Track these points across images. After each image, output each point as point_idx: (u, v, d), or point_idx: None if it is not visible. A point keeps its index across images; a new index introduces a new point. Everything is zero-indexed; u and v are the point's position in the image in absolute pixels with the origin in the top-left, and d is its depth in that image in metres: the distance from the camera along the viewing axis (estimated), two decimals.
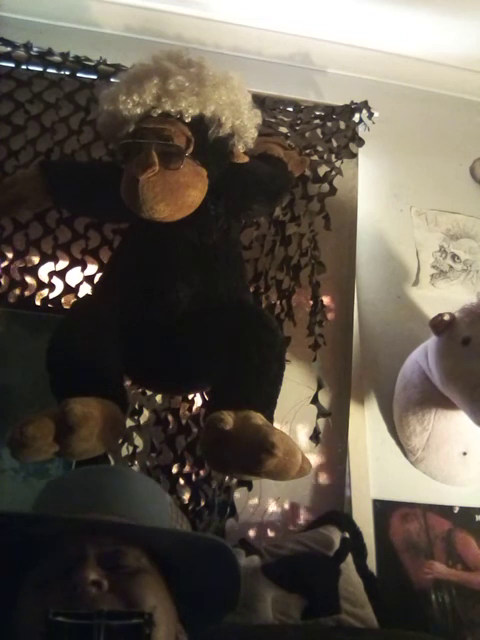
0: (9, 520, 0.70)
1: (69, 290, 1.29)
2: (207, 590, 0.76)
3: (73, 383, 0.91)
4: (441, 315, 1.21)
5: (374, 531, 1.24)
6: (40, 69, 1.44)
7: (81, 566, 0.67)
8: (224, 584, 0.75)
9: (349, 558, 1.13)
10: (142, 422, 1.23)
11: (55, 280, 1.30)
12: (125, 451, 1.19)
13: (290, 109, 1.56)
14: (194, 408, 1.26)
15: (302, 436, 1.30)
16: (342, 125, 1.55)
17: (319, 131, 1.54)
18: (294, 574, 1.08)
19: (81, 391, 0.88)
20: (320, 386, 1.30)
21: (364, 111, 1.56)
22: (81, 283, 1.30)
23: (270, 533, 1.24)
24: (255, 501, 1.24)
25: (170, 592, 0.73)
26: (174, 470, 1.20)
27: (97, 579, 0.65)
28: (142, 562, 0.71)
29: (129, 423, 1.18)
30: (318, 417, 1.28)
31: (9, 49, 1.43)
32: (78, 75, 1.45)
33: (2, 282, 1.29)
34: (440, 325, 1.20)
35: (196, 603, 0.76)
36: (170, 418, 1.24)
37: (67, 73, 1.44)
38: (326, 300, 1.40)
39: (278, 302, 1.35)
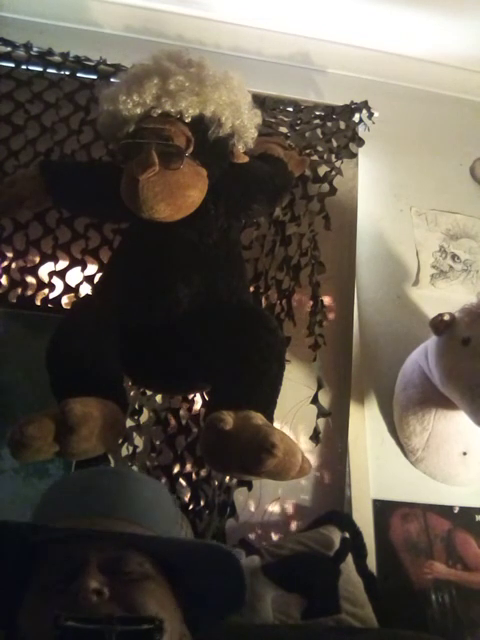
0: (12, 529, 0.70)
1: (69, 290, 1.29)
2: (212, 592, 0.75)
3: (73, 383, 0.91)
4: (441, 315, 1.21)
5: (374, 531, 1.24)
6: (40, 69, 1.44)
7: (83, 573, 0.67)
8: (229, 586, 0.75)
9: (349, 558, 1.13)
10: (142, 422, 1.22)
11: (55, 280, 1.30)
12: (125, 451, 1.19)
13: (290, 109, 1.56)
14: (194, 408, 1.26)
15: (302, 436, 1.30)
16: (342, 125, 1.55)
17: (319, 131, 1.54)
18: (294, 574, 1.08)
19: (81, 391, 0.88)
20: (320, 386, 1.30)
21: (364, 111, 1.56)
22: (81, 283, 1.30)
23: (270, 533, 1.24)
24: (255, 501, 1.24)
25: (175, 595, 0.73)
26: (174, 470, 1.20)
27: (98, 587, 0.65)
28: (145, 568, 0.71)
29: (129, 423, 1.18)
30: (318, 417, 1.28)
31: (9, 49, 1.43)
32: (78, 75, 1.45)
33: (2, 282, 1.29)
34: (440, 325, 1.20)
35: (201, 605, 0.76)
36: (170, 418, 1.24)
37: (67, 73, 1.45)
38: (326, 300, 1.40)
39: (278, 302, 1.35)
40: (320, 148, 1.51)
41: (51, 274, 1.30)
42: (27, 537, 0.70)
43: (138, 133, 1.05)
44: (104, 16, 1.62)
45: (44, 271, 1.30)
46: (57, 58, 1.45)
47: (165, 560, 0.74)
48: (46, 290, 1.29)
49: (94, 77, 1.45)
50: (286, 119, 1.53)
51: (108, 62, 1.45)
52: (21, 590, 0.71)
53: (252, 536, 1.22)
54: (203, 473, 1.20)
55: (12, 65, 1.44)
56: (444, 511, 1.30)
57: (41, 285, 1.29)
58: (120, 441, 1.15)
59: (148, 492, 0.80)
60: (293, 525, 1.26)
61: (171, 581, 0.74)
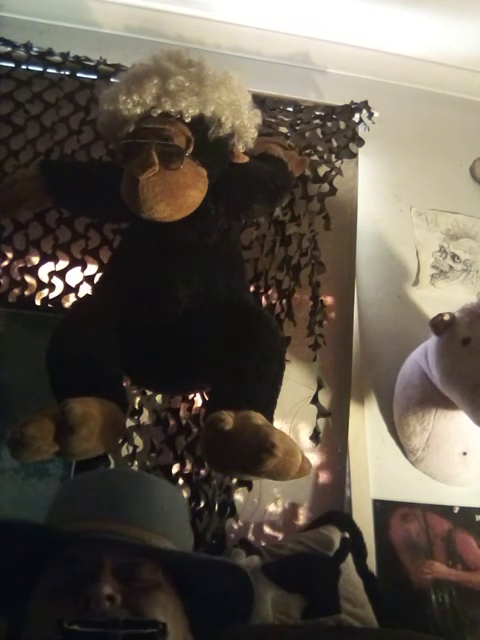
0: (23, 529, 0.70)
1: (69, 290, 1.29)
2: (221, 603, 0.76)
3: (73, 383, 0.91)
4: (441, 315, 1.21)
5: (374, 531, 1.24)
6: (40, 69, 1.44)
7: (96, 578, 0.67)
8: (238, 599, 0.75)
9: (349, 558, 1.13)
10: (142, 422, 1.22)
11: (55, 280, 1.30)
12: (125, 451, 1.19)
13: (290, 109, 1.56)
14: (194, 408, 1.26)
15: (302, 436, 1.30)
16: (342, 125, 1.55)
17: (319, 131, 1.54)
18: (294, 574, 1.08)
19: (81, 391, 0.88)
20: (320, 386, 1.30)
21: (364, 111, 1.56)
22: (81, 283, 1.30)
23: (270, 533, 1.24)
24: (255, 501, 1.24)
25: (183, 603, 0.73)
26: (174, 470, 1.20)
27: (111, 594, 0.65)
28: (158, 575, 0.71)
29: (129, 423, 1.18)
30: (318, 417, 1.28)
31: (9, 49, 1.43)
32: (78, 75, 1.45)
33: (2, 282, 1.29)
34: (440, 325, 1.20)
35: (209, 614, 0.76)
36: (170, 418, 1.24)
37: (67, 73, 1.45)
38: (326, 300, 1.40)
39: (278, 302, 1.35)
40: (320, 148, 1.51)
41: (51, 274, 1.30)
42: (40, 536, 0.70)
43: (138, 133, 1.05)
44: (104, 16, 1.62)
45: (44, 271, 1.30)
46: (57, 58, 1.45)
47: (176, 568, 0.74)
48: (46, 290, 1.29)
49: (94, 77, 1.45)
50: (286, 119, 1.53)
51: (108, 62, 1.45)
52: (28, 584, 0.71)
53: (252, 536, 1.22)
54: (203, 473, 1.20)
55: (12, 65, 1.44)
56: (444, 511, 1.30)
57: (41, 285, 1.29)
58: (120, 441, 1.15)
59: (164, 498, 0.80)
60: (293, 525, 1.26)
61: (179, 587, 0.74)
